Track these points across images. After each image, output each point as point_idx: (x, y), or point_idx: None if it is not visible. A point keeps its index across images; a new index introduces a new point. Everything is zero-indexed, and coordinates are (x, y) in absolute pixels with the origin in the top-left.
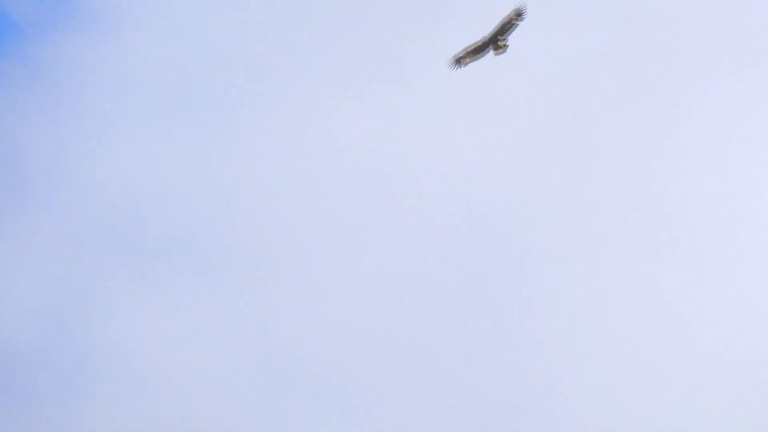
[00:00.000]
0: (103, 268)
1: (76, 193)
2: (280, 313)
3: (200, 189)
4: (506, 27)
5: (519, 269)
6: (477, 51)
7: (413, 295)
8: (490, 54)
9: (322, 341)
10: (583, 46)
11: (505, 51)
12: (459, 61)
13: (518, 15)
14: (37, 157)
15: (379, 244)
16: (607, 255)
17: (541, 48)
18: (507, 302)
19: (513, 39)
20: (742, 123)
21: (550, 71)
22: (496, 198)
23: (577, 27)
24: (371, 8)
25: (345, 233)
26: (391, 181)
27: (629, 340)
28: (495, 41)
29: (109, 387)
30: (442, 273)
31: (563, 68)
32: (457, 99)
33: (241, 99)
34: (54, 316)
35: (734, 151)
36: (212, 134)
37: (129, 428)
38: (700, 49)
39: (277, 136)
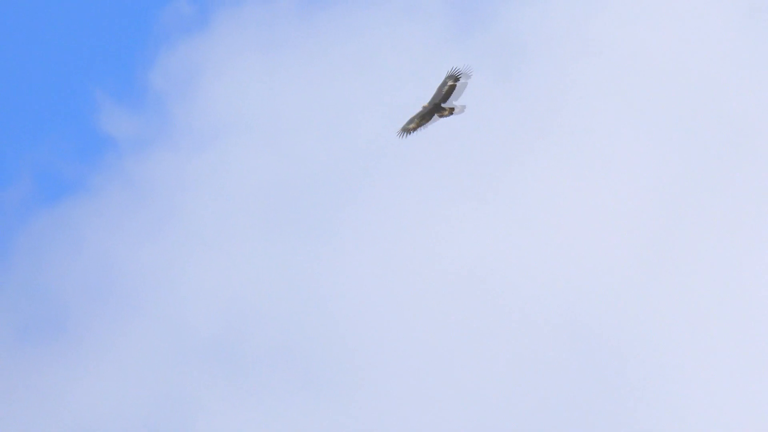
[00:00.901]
0: (199, 382)
1: (173, 306)
2: (381, 425)
3: (298, 301)
4: (446, 93)
5: (622, 378)
6: (423, 119)
7: (516, 402)
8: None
9: None
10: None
11: (450, 114)
12: (405, 129)
13: (454, 79)
14: (133, 271)
15: (479, 352)
16: (713, 369)
17: (632, 150)
18: (609, 411)
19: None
20: None
21: (645, 184)
22: (599, 308)
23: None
24: (469, 126)
25: (445, 344)
26: (490, 291)
27: None
28: (438, 109)
29: None
30: (543, 379)
31: (659, 180)
32: (555, 211)
33: (341, 211)
34: (151, 427)
35: None
36: (310, 247)
37: None
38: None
39: (376, 248)
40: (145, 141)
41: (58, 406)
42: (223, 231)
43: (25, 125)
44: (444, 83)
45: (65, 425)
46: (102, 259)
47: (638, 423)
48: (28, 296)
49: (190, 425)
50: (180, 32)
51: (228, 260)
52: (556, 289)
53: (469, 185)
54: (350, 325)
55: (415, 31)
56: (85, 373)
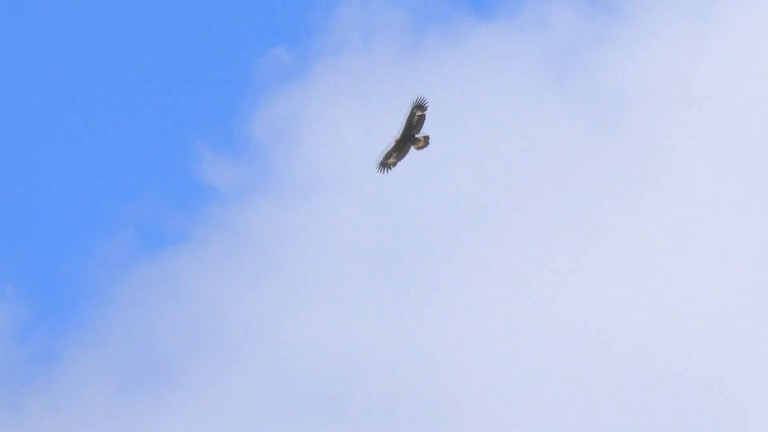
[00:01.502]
0: None
1: (274, 357)
2: None
3: (400, 353)
4: (415, 123)
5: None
6: (397, 151)
7: None
8: (414, 149)
9: None
10: None
11: (426, 144)
12: (384, 164)
13: (420, 108)
14: (234, 321)
15: (586, 403)
16: None
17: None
18: None
19: None
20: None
21: (751, 234)
22: (706, 360)
23: None
24: (572, 176)
25: (552, 395)
26: (595, 342)
27: None
28: (410, 138)
29: None
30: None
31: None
32: (660, 261)
33: (443, 263)
34: None
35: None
36: (412, 298)
37: None
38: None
39: (479, 299)
40: (246, 191)
41: None
42: (323, 281)
43: (126, 176)
44: (412, 114)
45: None
46: (203, 309)
47: None
48: (130, 346)
49: None
50: (279, 81)
51: (328, 311)
52: (662, 340)
53: (572, 235)
54: (454, 378)
55: (513, 79)
56: (186, 423)
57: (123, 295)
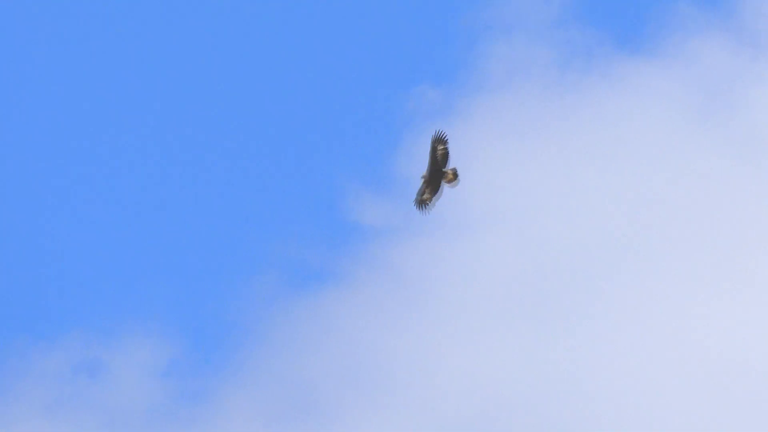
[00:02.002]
0: None
1: (424, 393)
2: None
3: (547, 390)
4: (439, 158)
5: None
6: (431, 190)
7: None
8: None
9: None
10: None
11: (456, 179)
12: (421, 204)
13: (440, 141)
14: (384, 357)
15: None
16: None
17: None
18: None
19: None
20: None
21: None
22: None
23: None
24: (714, 212)
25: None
26: (744, 380)
27: None
28: (439, 174)
29: None
30: None
31: None
32: None
33: (591, 300)
34: None
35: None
36: (559, 336)
37: None
38: None
39: (625, 337)
40: (393, 228)
41: None
42: (472, 317)
43: (272, 214)
44: (434, 149)
45: None
46: (352, 346)
47: None
48: (279, 383)
49: None
50: (425, 117)
51: (478, 347)
52: None
53: (718, 272)
54: (599, 417)
55: (658, 115)
56: None
57: (272, 332)
